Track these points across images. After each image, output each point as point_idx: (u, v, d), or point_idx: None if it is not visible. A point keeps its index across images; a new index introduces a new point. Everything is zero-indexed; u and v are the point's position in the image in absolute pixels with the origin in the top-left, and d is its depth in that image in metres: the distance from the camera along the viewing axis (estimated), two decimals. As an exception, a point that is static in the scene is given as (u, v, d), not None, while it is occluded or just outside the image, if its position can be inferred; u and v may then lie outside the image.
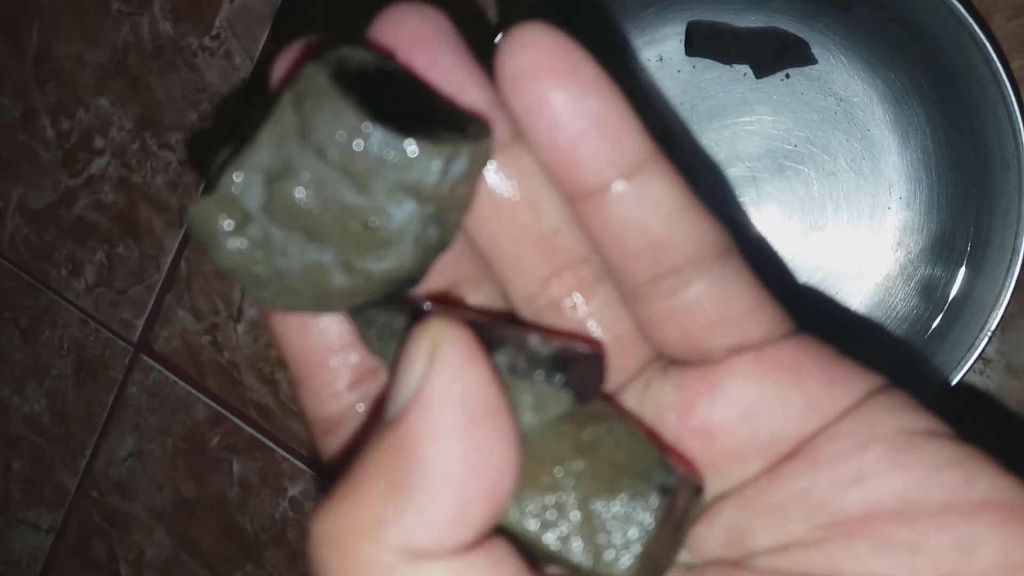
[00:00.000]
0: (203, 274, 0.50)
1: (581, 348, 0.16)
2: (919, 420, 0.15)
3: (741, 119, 0.39)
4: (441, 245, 0.16)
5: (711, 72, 0.39)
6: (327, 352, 0.17)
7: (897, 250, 0.38)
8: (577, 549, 0.14)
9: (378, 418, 0.14)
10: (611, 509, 0.14)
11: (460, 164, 0.15)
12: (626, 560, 0.14)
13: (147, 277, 0.52)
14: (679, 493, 0.15)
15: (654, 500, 0.14)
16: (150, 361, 0.52)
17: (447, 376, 0.13)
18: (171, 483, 0.52)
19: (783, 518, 0.15)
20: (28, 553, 0.57)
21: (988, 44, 0.33)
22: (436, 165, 0.14)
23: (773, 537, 0.15)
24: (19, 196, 0.54)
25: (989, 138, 0.35)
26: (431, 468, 0.12)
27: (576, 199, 0.15)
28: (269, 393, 0.49)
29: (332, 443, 0.18)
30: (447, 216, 0.15)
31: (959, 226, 0.37)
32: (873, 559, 0.14)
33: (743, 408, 0.16)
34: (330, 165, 0.15)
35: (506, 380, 0.15)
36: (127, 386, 0.53)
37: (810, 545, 0.15)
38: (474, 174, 0.15)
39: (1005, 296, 0.34)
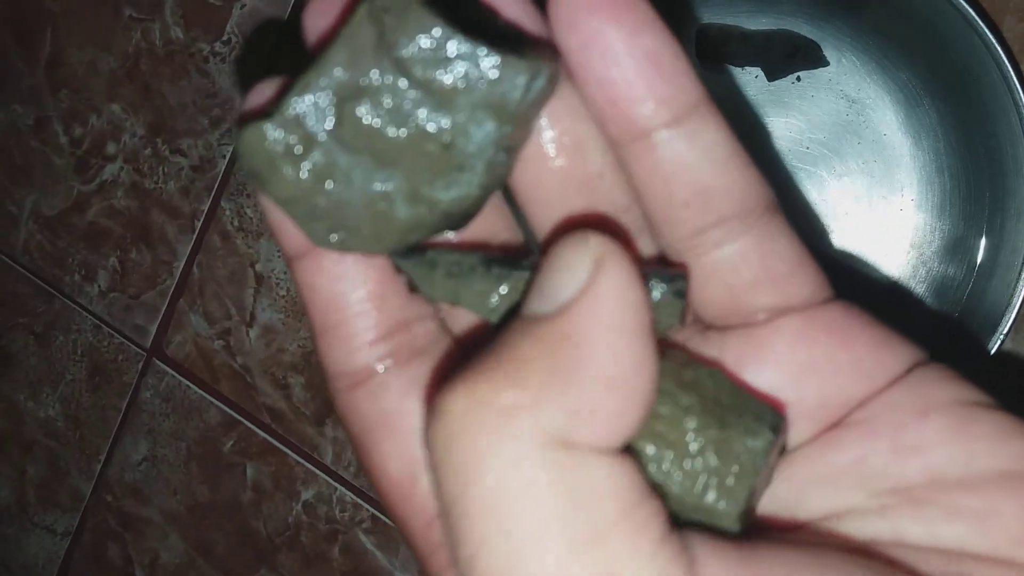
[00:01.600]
0: (215, 279, 0.51)
1: (666, 271, 0.16)
2: (972, 392, 0.15)
3: (752, 122, 0.39)
4: (503, 176, 0.16)
5: (722, 75, 0.39)
6: (357, 300, 0.16)
7: (910, 252, 0.38)
8: (689, 480, 0.14)
9: (520, 314, 0.13)
10: (727, 443, 0.14)
11: (539, 83, 0.14)
12: (735, 496, 0.14)
13: (160, 282, 0.52)
14: (782, 435, 0.15)
15: (767, 436, 0.14)
16: (163, 366, 0.52)
17: (617, 284, 0.13)
18: (185, 487, 0.53)
19: (839, 486, 0.15)
20: (44, 557, 0.57)
21: (998, 46, 0.33)
22: (521, 81, 0.14)
23: (828, 505, 0.15)
24: (32, 202, 0.55)
25: (1001, 140, 0.35)
26: (601, 361, 0.12)
27: (625, 141, 0.15)
28: (282, 397, 0.50)
29: (360, 399, 0.16)
30: (516, 142, 0.15)
31: (971, 228, 0.37)
32: (942, 525, 0.14)
33: (792, 370, 0.15)
34: (412, 81, 0.14)
35: None
36: (140, 391, 0.53)
37: (871, 512, 0.14)
38: (546, 97, 0.15)
39: (1018, 298, 0.34)
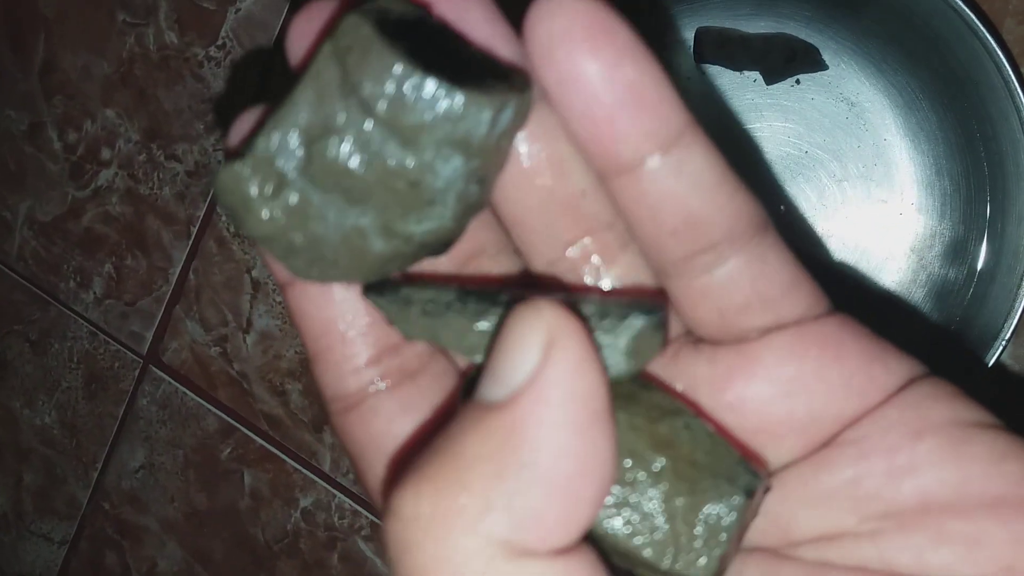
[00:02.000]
0: (212, 285, 0.50)
1: (645, 301, 0.15)
2: (969, 411, 0.14)
3: (751, 126, 0.38)
4: (478, 205, 0.16)
5: (721, 79, 0.38)
6: (347, 325, 0.16)
7: (910, 256, 0.38)
8: (658, 550, 0.14)
9: (471, 397, 0.13)
10: (696, 510, 0.14)
11: (507, 116, 0.14)
12: (706, 563, 0.14)
13: (156, 289, 0.52)
14: (758, 494, 0.15)
15: (739, 502, 0.14)
16: (160, 373, 0.52)
17: (568, 370, 0.12)
18: (182, 495, 0.52)
19: (831, 508, 0.14)
20: (41, 565, 0.57)
21: (998, 49, 0.32)
22: (486, 116, 0.14)
23: (820, 527, 0.15)
24: (27, 209, 0.54)
25: (1001, 143, 0.34)
26: (548, 462, 0.12)
27: (610, 174, 0.15)
28: (279, 404, 0.49)
29: (353, 423, 0.17)
30: (488, 174, 0.15)
31: (972, 232, 0.36)
32: (930, 552, 0.13)
33: (781, 384, 0.15)
34: (376, 121, 0.14)
35: (596, 325, 0.14)
36: (137, 398, 0.53)
37: (862, 537, 0.14)
38: (516, 128, 0.15)
39: (1020, 302, 0.33)
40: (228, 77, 0.49)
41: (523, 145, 0.16)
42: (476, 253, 0.17)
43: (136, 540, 0.54)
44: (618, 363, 0.14)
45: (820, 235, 0.38)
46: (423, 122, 0.14)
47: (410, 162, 0.14)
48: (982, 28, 0.33)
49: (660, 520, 0.14)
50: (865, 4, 0.36)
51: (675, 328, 0.17)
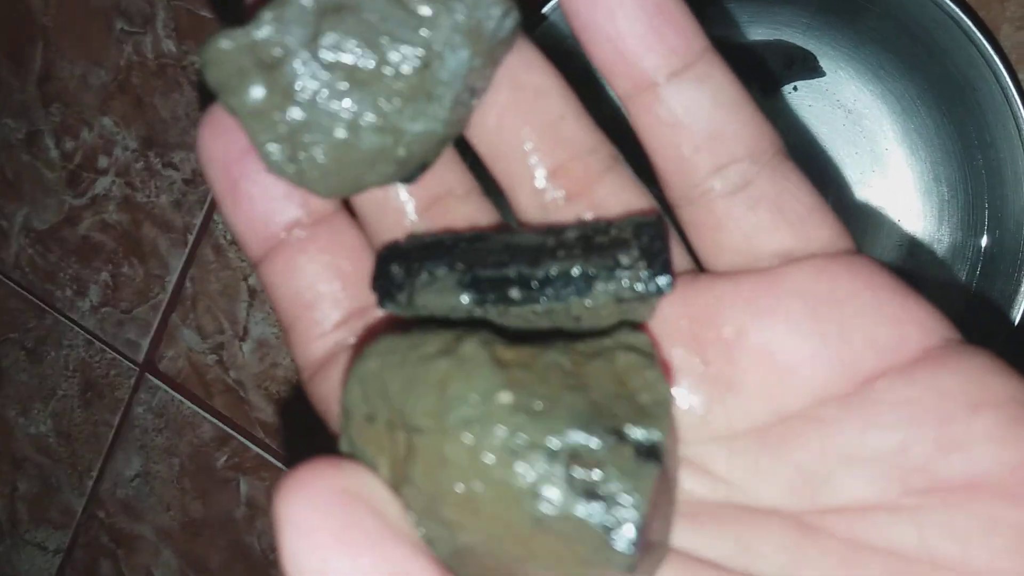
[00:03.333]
0: (208, 293, 0.50)
1: (644, 219, 0.15)
2: None
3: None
4: (461, 123, 0.15)
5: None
6: (315, 294, 0.16)
7: (907, 263, 0.37)
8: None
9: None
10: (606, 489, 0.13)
11: (509, 22, 0.14)
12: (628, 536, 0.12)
13: (152, 296, 0.52)
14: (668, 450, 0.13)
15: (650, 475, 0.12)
16: (156, 381, 0.52)
17: None
18: (178, 503, 0.52)
19: (873, 473, 0.13)
20: (35, 574, 0.56)
21: (995, 55, 0.32)
22: (496, 11, 0.14)
23: (857, 493, 0.13)
24: (23, 217, 0.54)
25: (999, 149, 0.34)
26: None
27: (633, 93, 0.15)
28: (275, 412, 0.49)
29: (320, 382, 0.17)
30: (479, 86, 0.15)
31: (969, 239, 0.36)
32: (977, 540, 0.12)
33: (812, 304, 0.14)
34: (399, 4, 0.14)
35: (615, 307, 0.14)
36: (133, 406, 0.53)
37: (902, 512, 0.13)
38: (508, 46, 0.15)
39: (1017, 310, 0.33)
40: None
41: (501, 75, 0.16)
42: (442, 195, 0.17)
43: (131, 549, 0.53)
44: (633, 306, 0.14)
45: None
46: (440, 6, 0.14)
47: (422, 43, 0.14)
48: (979, 35, 0.33)
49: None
50: (862, 11, 0.36)
51: (682, 265, 0.16)
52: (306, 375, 0.17)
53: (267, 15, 0.14)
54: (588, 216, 0.16)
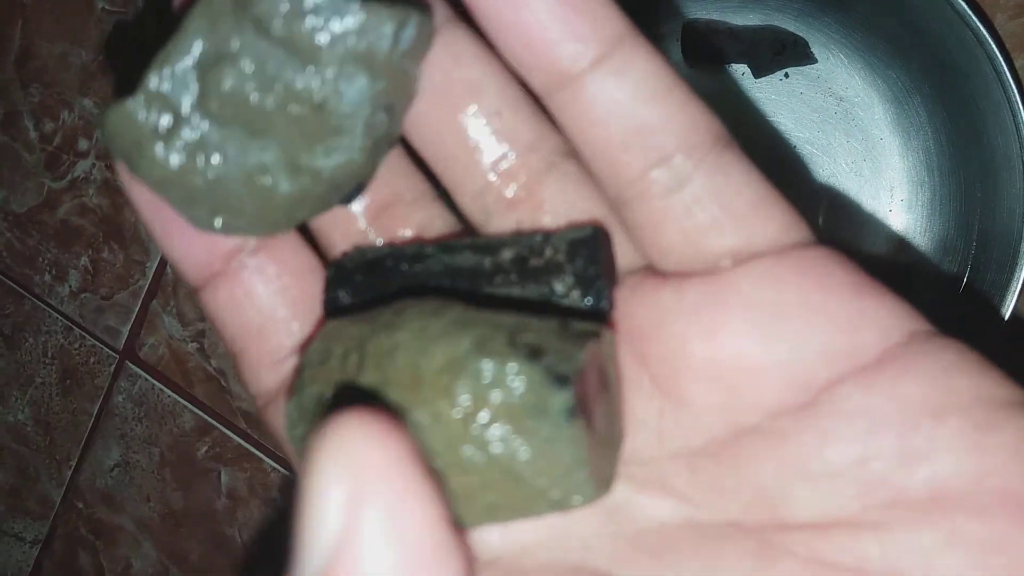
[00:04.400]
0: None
1: (579, 234, 0.15)
2: (997, 385, 0.13)
3: (739, 120, 0.38)
4: (388, 139, 0.15)
5: (708, 72, 0.38)
6: (264, 320, 0.16)
7: (899, 253, 0.37)
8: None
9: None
10: (542, 463, 0.13)
11: (409, 33, 0.14)
12: (585, 490, 0.13)
13: (132, 283, 0.51)
14: (586, 387, 0.13)
15: (565, 430, 0.13)
16: (136, 369, 0.51)
17: (382, 531, 0.10)
18: (158, 494, 0.51)
19: (832, 488, 0.13)
20: (13, 566, 0.55)
21: (991, 42, 0.32)
22: (388, 30, 0.13)
23: (817, 510, 0.13)
24: (1, 200, 0.53)
25: (992, 138, 0.34)
26: None
27: (551, 89, 0.14)
28: (258, 401, 0.49)
29: (277, 414, 0.16)
30: (396, 101, 0.15)
31: (962, 229, 0.36)
32: (939, 556, 0.12)
33: (759, 313, 0.13)
34: (273, 42, 0.13)
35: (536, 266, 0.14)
36: (113, 395, 0.52)
37: (864, 528, 0.12)
38: (420, 52, 0.14)
39: (1010, 300, 0.33)
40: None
41: (430, 71, 0.15)
42: (391, 202, 0.16)
43: (110, 540, 0.53)
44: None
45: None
46: (323, 39, 0.13)
47: (313, 82, 0.14)
48: (975, 21, 0.32)
49: (517, 487, 0.13)
50: (855, -4, 0.35)
51: (636, 261, 0.15)
52: (260, 403, 0.16)
53: (152, 80, 0.14)
54: (530, 221, 0.16)
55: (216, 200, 0.14)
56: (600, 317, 0.14)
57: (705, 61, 0.38)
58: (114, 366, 0.52)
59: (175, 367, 0.50)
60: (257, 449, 0.49)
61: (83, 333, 0.52)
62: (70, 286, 0.52)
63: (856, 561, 0.12)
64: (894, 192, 0.37)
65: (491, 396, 0.12)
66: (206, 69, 0.14)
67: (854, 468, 0.13)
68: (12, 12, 0.51)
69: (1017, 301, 0.33)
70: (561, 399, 0.12)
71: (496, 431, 0.12)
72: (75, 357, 0.53)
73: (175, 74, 0.14)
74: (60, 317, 0.53)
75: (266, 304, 0.16)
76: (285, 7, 0.13)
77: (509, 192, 0.15)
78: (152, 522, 0.52)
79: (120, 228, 0.51)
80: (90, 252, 0.51)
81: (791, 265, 0.14)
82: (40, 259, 0.53)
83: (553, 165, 0.15)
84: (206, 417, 0.50)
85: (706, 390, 0.14)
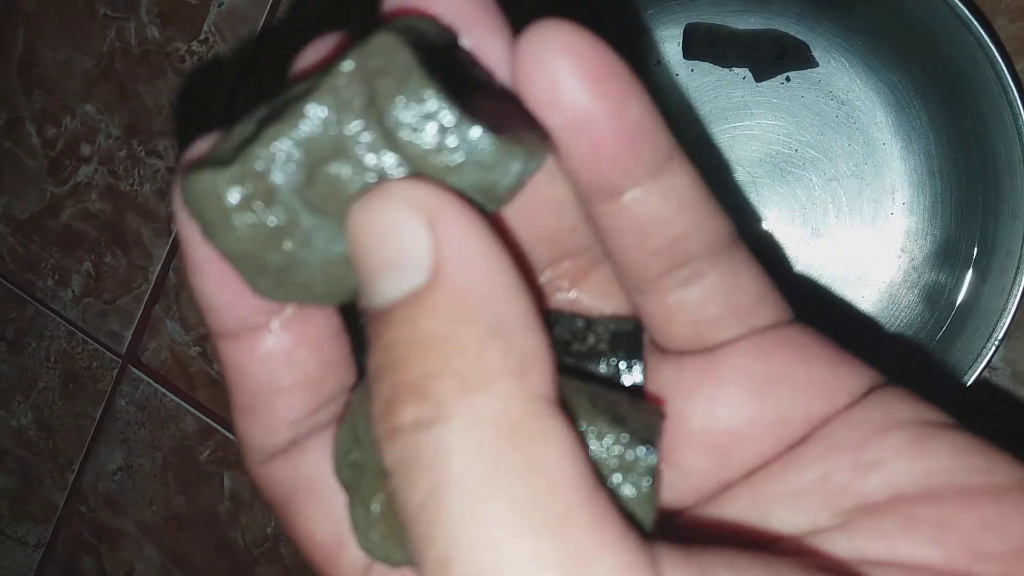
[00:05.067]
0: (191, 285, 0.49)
1: (622, 327, 0.15)
2: (931, 412, 0.15)
3: (740, 123, 0.38)
4: None
5: (709, 76, 0.38)
6: (284, 385, 0.15)
7: (901, 256, 0.37)
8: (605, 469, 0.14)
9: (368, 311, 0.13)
10: (625, 444, 0.14)
11: (532, 167, 0.14)
12: (648, 490, 0.14)
13: (135, 287, 0.51)
14: (660, 459, 0.14)
15: (647, 487, 0.14)
16: (139, 373, 0.51)
17: (472, 244, 0.12)
18: (161, 498, 0.51)
19: (802, 505, 0.15)
20: (16, 570, 0.55)
21: (992, 46, 0.32)
22: (516, 167, 0.13)
23: (792, 524, 0.15)
24: (4, 205, 0.53)
25: (994, 142, 0.34)
26: (497, 316, 0.12)
27: (597, 199, 0.15)
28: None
29: (274, 468, 0.16)
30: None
31: (964, 232, 0.36)
32: (901, 538, 0.13)
33: (749, 385, 0.15)
34: (401, 155, 0.13)
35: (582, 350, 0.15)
36: (115, 399, 0.52)
37: (834, 530, 0.14)
38: (529, 179, 0.14)
39: (1012, 303, 0.33)
40: (211, 72, 0.48)
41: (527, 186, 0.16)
42: None
43: (113, 544, 0.53)
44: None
45: (809, 235, 0.38)
46: (452, 165, 0.13)
47: None
48: (976, 25, 0.32)
49: (606, 443, 0.14)
50: (856, 0, 0.35)
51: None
52: (255, 457, 0.16)
53: (256, 161, 0.13)
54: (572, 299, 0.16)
55: (287, 277, 0.14)
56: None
57: (707, 64, 0.38)
58: (117, 370, 0.52)
59: (178, 371, 0.50)
60: (260, 453, 0.49)
61: (86, 338, 0.52)
62: (73, 291, 0.52)
63: (832, 555, 0.14)
64: (896, 195, 0.37)
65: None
66: (317, 160, 0.13)
67: (817, 484, 0.14)
68: (14, 19, 0.52)
69: (1018, 306, 0.33)
70: (646, 462, 0.14)
71: None
72: (78, 361, 0.53)
73: (280, 155, 0.13)
74: (63, 322, 0.53)
75: (288, 367, 0.16)
76: (417, 120, 0.13)
77: (552, 288, 0.17)
78: (155, 526, 0.52)
79: (123, 233, 0.51)
80: (93, 257, 0.51)
81: (775, 341, 0.15)
82: (43, 264, 0.53)
83: (596, 264, 0.17)
84: (209, 421, 0.50)
85: (701, 456, 0.16)
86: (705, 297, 0.15)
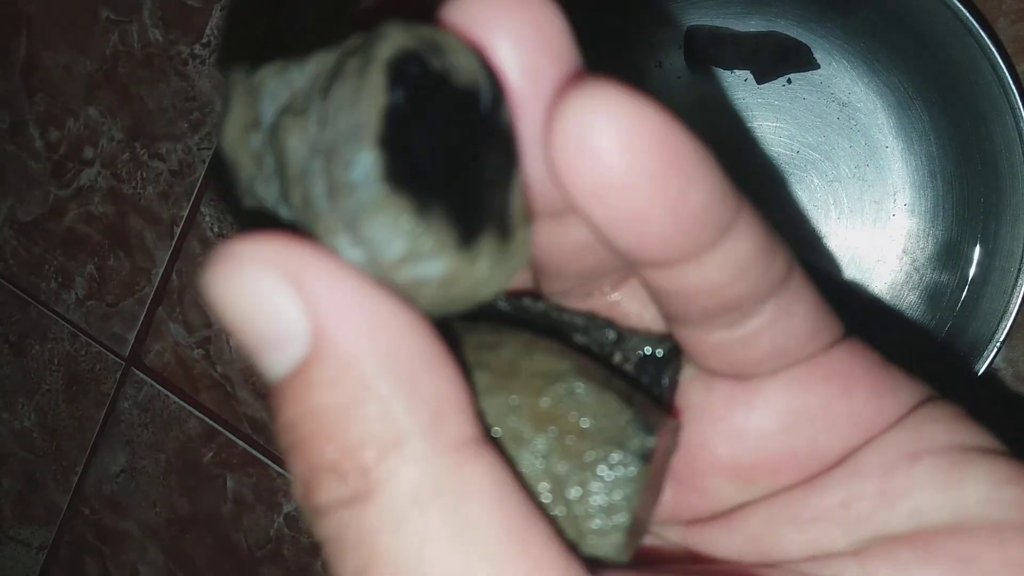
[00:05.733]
0: (195, 286, 0.50)
1: (651, 351, 0.15)
2: (972, 435, 0.14)
3: (742, 125, 0.38)
4: None
5: (711, 78, 0.38)
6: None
7: (903, 258, 0.37)
8: (570, 517, 0.13)
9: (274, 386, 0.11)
10: (589, 493, 0.13)
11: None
12: (613, 539, 0.13)
13: (138, 290, 0.51)
14: (658, 451, 0.13)
15: (634, 470, 0.13)
16: (142, 375, 0.51)
17: (342, 301, 0.10)
18: (164, 500, 0.51)
19: (820, 529, 0.14)
20: (20, 572, 0.56)
21: (993, 48, 0.32)
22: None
23: (804, 547, 0.14)
24: (8, 208, 0.53)
25: (995, 143, 0.34)
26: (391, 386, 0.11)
27: (651, 270, 0.13)
28: (263, 407, 0.49)
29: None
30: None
31: (965, 233, 0.36)
32: (916, 569, 0.13)
33: (783, 418, 0.14)
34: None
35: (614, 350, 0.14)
36: (119, 401, 0.52)
37: (846, 555, 0.13)
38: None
39: (1014, 304, 0.33)
40: (213, 75, 0.48)
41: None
42: None
43: (116, 546, 0.53)
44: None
45: (811, 236, 0.38)
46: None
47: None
48: (977, 27, 0.32)
49: (558, 511, 0.13)
50: (858, 2, 0.35)
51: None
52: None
53: (292, 71, 0.12)
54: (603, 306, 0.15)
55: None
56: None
57: (708, 66, 0.38)
58: (120, 373, 0.52)
59: (181, 373, 0.50)
60: (263, 455, 0.49)
61: (89, 340, 0.52)
62: (76, 293, 0.52)
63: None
64: (897, 196, 0.37)
65: (579, 414, 0.13)
66: (284, 109, 0.12)
67: (839, 510, 0.14)
68: (17, 22, 0.52)
69: (1020, 307, 0.33)
70: (642, 442, 0.13)
71: (568, 442, 0.13)
72: (81, 364, 0.53)
73: (276, 83, 0.12)
74: (66, 324, 0.53)
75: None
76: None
77: (603, 291, 0.15)
78: (158, 528, 0.52)
79: (126, 236, 0.51)
80: (96, 260, 0.52)
81: (818, 371, 0.14)
82: (46, 267, 0.53)
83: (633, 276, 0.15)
84: (212, 423, 0.50)
85: (724, 484, 0.15)
86: (750, 340, 0.14)
